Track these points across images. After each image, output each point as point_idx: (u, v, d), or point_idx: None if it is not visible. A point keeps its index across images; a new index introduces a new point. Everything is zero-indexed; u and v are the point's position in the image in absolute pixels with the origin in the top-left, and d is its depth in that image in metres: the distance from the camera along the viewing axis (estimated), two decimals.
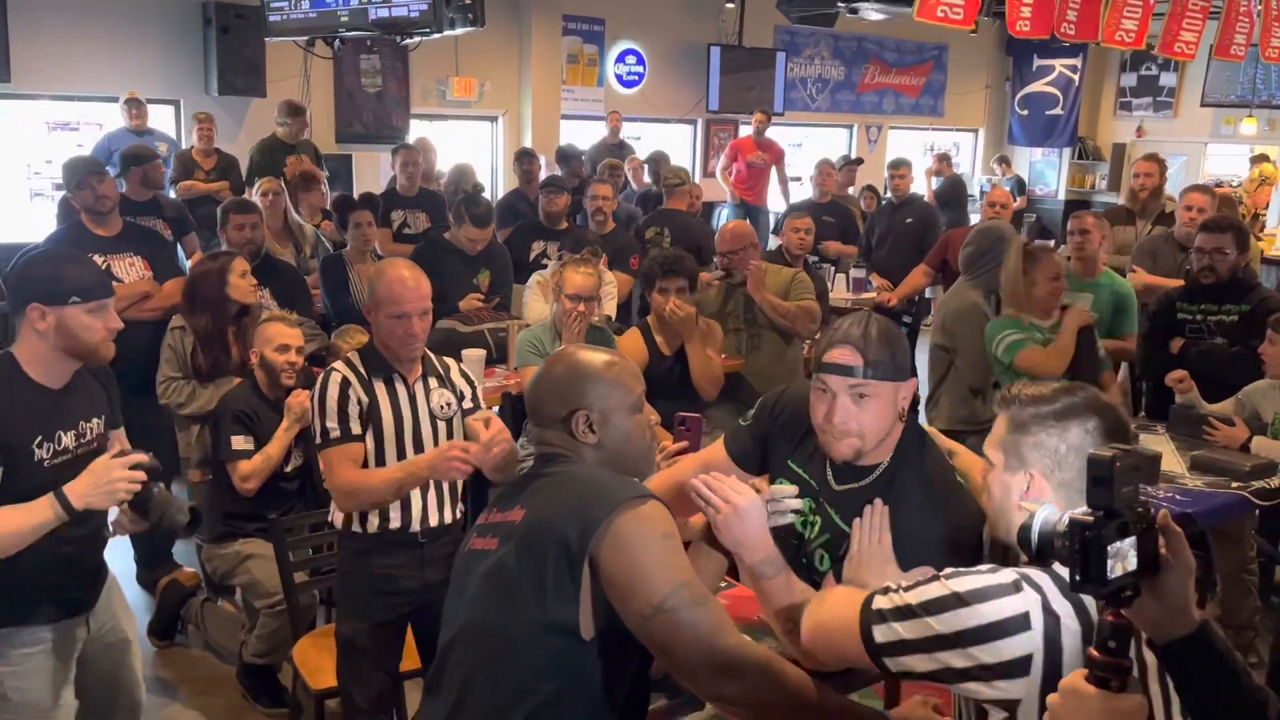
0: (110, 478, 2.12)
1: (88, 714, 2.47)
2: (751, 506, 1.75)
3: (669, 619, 1.52)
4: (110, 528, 2.36)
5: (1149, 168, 5.71)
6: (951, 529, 1.84)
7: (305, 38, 6.09)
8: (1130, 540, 1.08)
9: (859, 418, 1.86)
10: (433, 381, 2.68)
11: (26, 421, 2.15)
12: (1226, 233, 3.89)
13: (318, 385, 2.60)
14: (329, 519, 2.75)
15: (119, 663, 2.51)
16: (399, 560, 2.60)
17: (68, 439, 2.24)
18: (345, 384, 2.57)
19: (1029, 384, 1.57)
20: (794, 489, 1.88)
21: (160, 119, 7.43)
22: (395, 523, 2.62)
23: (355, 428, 2.56)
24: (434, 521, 2.66)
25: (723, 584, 2.41)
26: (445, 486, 2.69)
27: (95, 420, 2.32)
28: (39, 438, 2.16)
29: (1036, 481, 1.48)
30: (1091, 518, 1.07)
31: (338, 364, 2.63)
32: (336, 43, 5.70)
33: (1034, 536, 1.18)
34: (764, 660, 1.55)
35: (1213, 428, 3.53)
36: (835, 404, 1.87)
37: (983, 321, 4.20)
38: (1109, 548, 1.07)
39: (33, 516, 2.08)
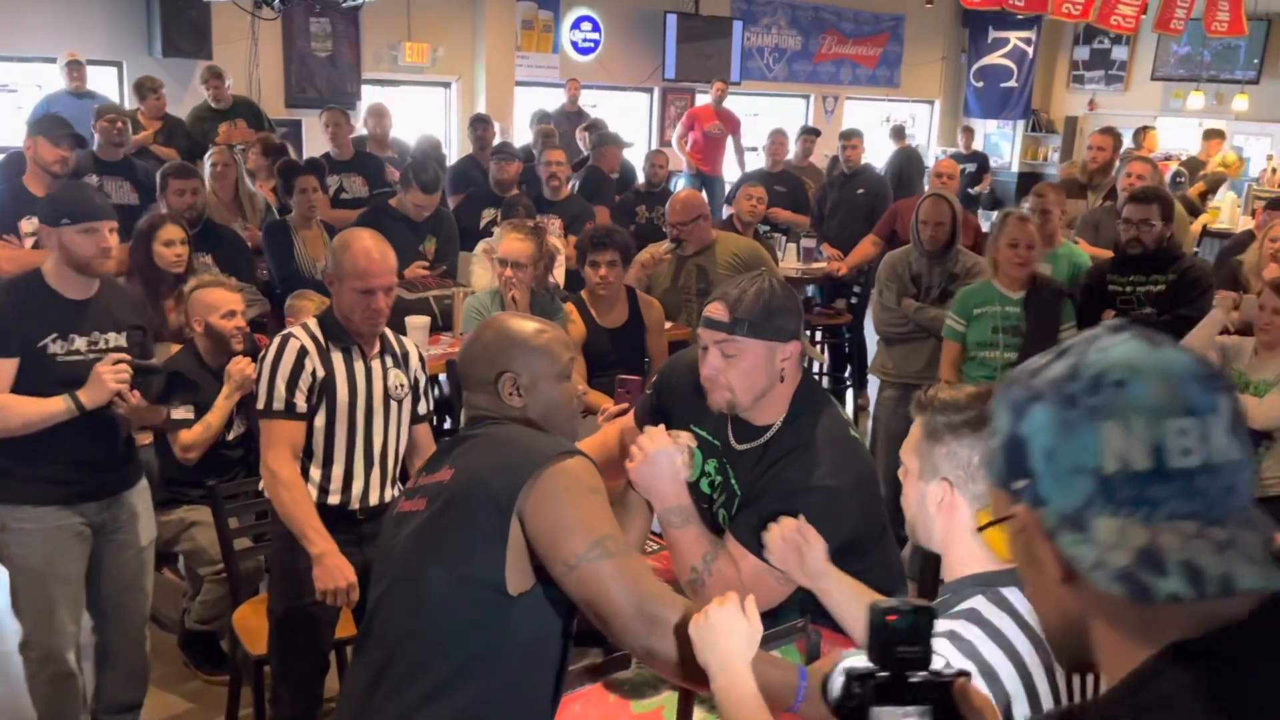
0: (100, 376, 2.52)
1: (96, 604, 2.87)
2: (661, 454, 1.80)
3: (591, 570, 1.54)
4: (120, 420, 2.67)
5: (1102, 141, 5.78)
6: (835, 486, 1.88)
7: None
8: (912, 712, 0.96)
9: (726, 372, 1.91)
10: (389, 360, 2.65)
11: (40, 321, 2.54)
12: (1153, 204, 3.96)
13: (272, 348, 2.53)
14: (260, 487, 2.72)
15: (126, 562, 2.82)
16: (337, 538, 2.54)
17: (80, 343, 2.60)
18: (302, 353, 2.51)
19: (945, 388, 1.55)
20: (688, 435, 1.91)
21: (102, 81, 7.26)
22: (334, 498, 2.59)
23: (301, 404, 2.51)
24: (373, 500, 2.64)
25: (654, 547, 2.45)
26: (388, 466, 2.67)
27: (111, 334, 2.67)
28: (53, 335, 2.55)
29: (949, 492, 1.46)
30: (862, 674, 0.97)
31: (297, 330, 2.56)
32: (277, 2, 5.57)
33: (832, 689, 1.02)
34: (689, 611, 1.56)
35: None
36: (706, 356, 1.93)
37: (883, 275, 4.50)
38: (871, 710, 0.96)
39: (46, 407, 2.51)
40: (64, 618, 2.71)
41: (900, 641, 0.97)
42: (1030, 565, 0.88)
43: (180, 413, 3.31)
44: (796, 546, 1.77)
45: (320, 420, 2.55)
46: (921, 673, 0.97)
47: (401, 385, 2.66)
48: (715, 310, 1.92)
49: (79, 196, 2.66)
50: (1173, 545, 0.78)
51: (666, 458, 1.80)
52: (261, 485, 2.70)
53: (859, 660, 1.00)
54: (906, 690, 0.96)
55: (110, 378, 2.51)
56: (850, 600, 1.74)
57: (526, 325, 1.81)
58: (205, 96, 6.87)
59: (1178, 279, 3.92)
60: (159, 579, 3.73)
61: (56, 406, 2.51)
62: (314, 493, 2.57)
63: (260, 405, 2.53)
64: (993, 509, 0.92)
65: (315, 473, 2.58)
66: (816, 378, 5.83)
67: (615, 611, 1.54)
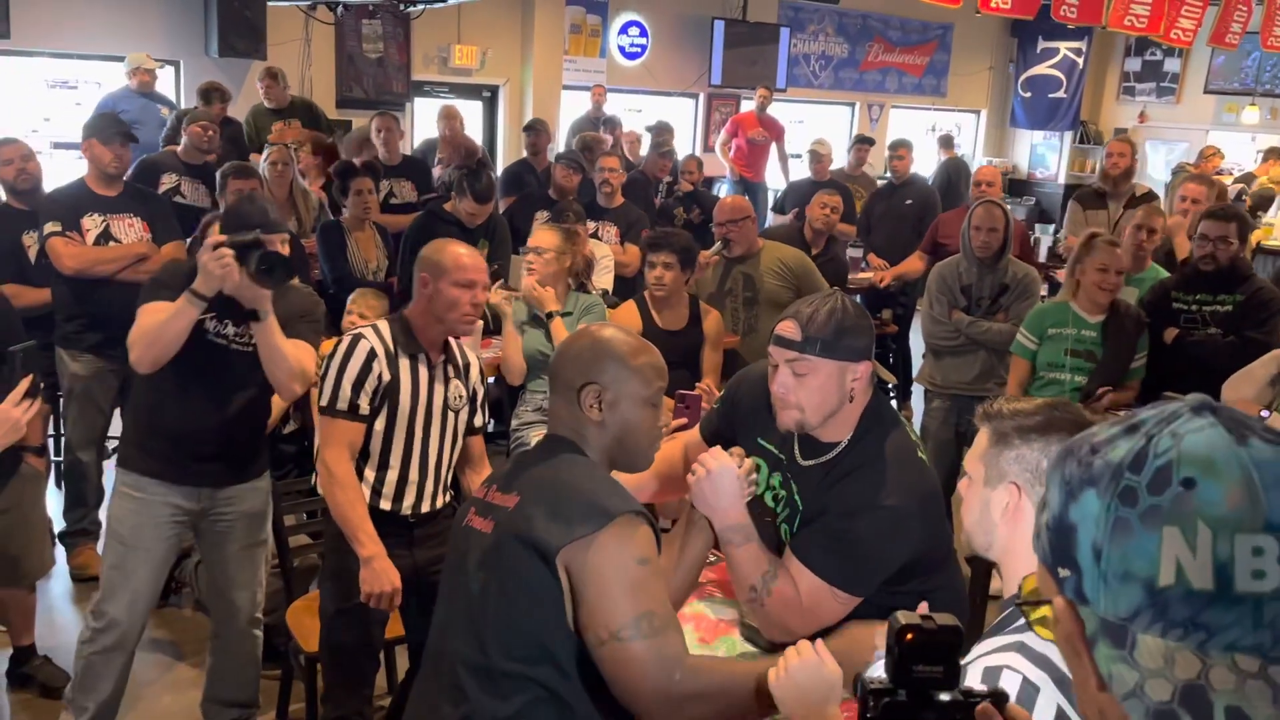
0: (205, 266, 2.55)
1: (209, 592, 3.05)
2: (723, 472, 1.80)
3: (621, 650, 1.53)
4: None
5: (1122, 148, 5.77)
6: (899, 505, 1.86)
7: (308, 1, 6.02)
8: None
9: (797, 391, 1.90)
10: (450, 370, 2.65)
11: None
12: (1231, 222, 3.88)
13: (342, 346, 2.53)
14: (315, 483, 2.71)
15: (228, 557, 2.90)
16: (388, 541, 2.54)
17: (231, 329, 2.70)
18: (371, 355, 2.50)
19: (1011, 399, 1.53)
20: (750, 460, 1.91)
21: (159, 80, 7.37)
22: (386, 504, 2.59)
23: (364, 406, 2.51)
24: (425, 508, 2.64)
25: (712, 558, 2.45)
26: (441, 474, 2.67)
27: None
28: (213, 313, 2.66)
29: (1017, 496, 1.44)
30: (877, 690, 0.94)
31: (367, 331, 2.56)
32: (340, 9, 5.62)
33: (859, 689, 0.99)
34: (712, 691, 1.55)
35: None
36: (777, 374, 1.93)
37: (933, 287, 4.44)
38: None
39: (173, 308, 2.58)
40: (133, 592, 2.77)
41: (919, 660, 0.92)
42: (1072, 656, 0.77)
43: None
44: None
45: (380, 424, 2.55)
46: (949, 693, 0.91)
47: (460, 396, 2.66)
48: (787, 329, 1.92)
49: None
50: (1225, 685, 0.66)
51: (729, 476, 1.80)
52: (316, 481, 2.70)
53: (879, 671, 0.96)
54: (927, 710, 0.91)
55: (214, 265, 2.53)
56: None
57: (626, 343, 1.77)
58: (259, 97, 6.95)
59: (1246, 300, 3.85)
60: None
61: (181, 304, 2.57)
62: (367, 494, 2.57)
63: (324, 402, 2.53)
64: (1039, 585, 0.83)
65: (370, 474, 2.58)
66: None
67: (637, 695, 1.54)
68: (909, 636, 0.92)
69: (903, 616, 0.94)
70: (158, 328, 2.59)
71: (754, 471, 1.90)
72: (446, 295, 2.53)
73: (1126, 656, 0.70)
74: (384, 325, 2.59)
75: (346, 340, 2.55)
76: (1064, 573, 0.76)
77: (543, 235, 3.84)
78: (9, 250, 3.96)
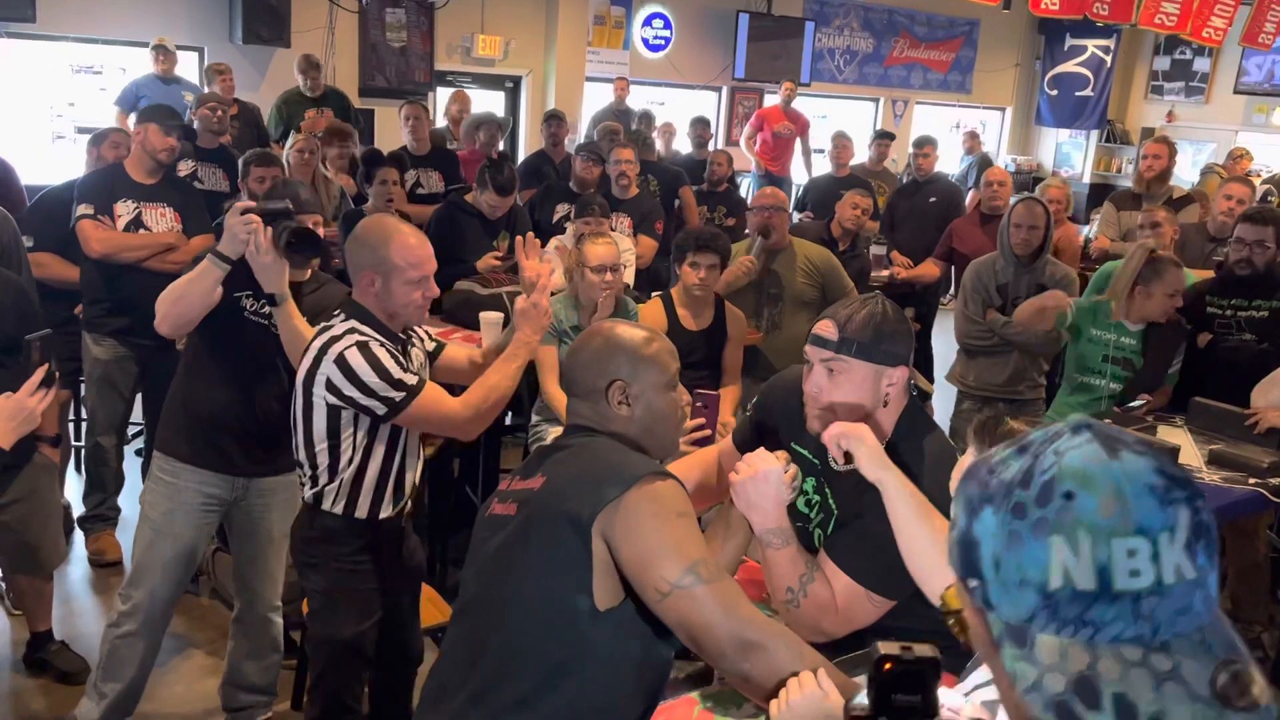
0: (230, 229, 2.54)
1: (235, 570, 3.03)
2: (771, 473, 1.79)
3: (685, 596, 1.53)
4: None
5: (1159, 149, 5.62)
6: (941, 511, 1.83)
7: None
8: None
9: (830, 392, 1.89)
10: (413, 348, 2.51)
11: (247, 278, 2.61)
12: (1269, 225, 3.79)
13: (356, 356, 2.24)
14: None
15: (257, 548, 2.92)
16: (386, 549, 2.46)
17: (268, 309, 2.67)
18: (384, 346, 2.30)
19: (1009, 424, 1.54)
20: (794, 467, 1.88)
21: (183, 66, 7.39)
22: (388, 510, 2.45)
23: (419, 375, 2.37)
24: (407, 496, 2.50)
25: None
26: (416, 464, 2.54)
27: None
28: (249, 292, 2.67)
29: None
30: (858, 715, 0.99)
31: (360, 336, 2.29)
32: None
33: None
34: (784, 635, 1.55)
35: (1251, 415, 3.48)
36: (811, 374, 1.92)
37: (968, 284, 4.38)
38: None
39: (198, 270, 2.57)
40: (160, 578, 2.77)
41: (898, 689, 0.97)
42: (990, 661, 0.85)
43: None
44: (841, 441, 1.74)
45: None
46: None
47: (424, 364, 2.54)
48: (824, 328, 1.91)
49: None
50: (1111, 674, 0.74)
51: (776, 478, 1.79)
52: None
53: (863, 698, 1.00)
54: None
55: (240, 228, 2.50)
56: (903, 504, 1.72)
57: (636, 334, 1.81)
58: (283, 84, 6.97)
59: None
60: (229, 560, 3.79)
61: (204, 265, 2.56)
62: (366, 505, 2.39)
63: (399, 399, 2.27)
64: (957, 595, 0.89)
65: (390, 493, 2.43)
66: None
67: (710, 637, 1.53)
68: (888, 666, 0.97)
69: (883, 647, 0.98)
70: (182, 286, 2.58)
71: (797, 479, 1.88)
72: (399, 292, 2.31)
73: (1027, 654, 0.78)
74: (358, 325, 2.33)
75: (356, 349, 2.25)
76: (972, 583, 0.83)
77: (604, 250, 3.65)
78: (64, 217, 3.91)
